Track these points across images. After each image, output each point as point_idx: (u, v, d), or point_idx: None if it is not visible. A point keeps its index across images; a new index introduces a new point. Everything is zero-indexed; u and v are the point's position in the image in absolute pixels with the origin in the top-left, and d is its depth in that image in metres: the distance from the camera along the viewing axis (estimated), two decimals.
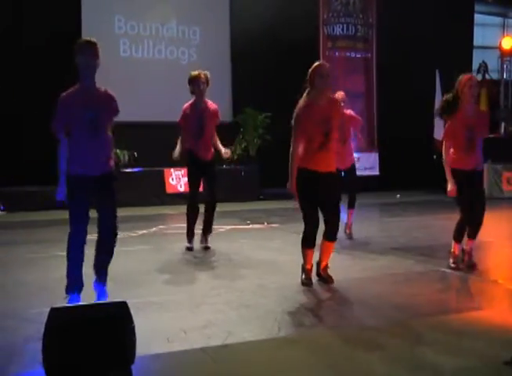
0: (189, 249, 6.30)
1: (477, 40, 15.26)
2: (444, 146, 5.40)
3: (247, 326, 3.72)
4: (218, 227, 7.66)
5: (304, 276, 4.85)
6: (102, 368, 2.62)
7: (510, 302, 4.49)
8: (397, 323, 3.80)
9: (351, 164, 7.03)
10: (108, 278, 4.94)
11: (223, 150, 6.50)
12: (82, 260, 4.24)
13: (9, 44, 10.56)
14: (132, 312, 2.82)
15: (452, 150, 5.39)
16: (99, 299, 4.21)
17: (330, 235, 4.73)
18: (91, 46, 4.35)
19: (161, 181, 11.03)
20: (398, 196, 12.31)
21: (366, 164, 13.28)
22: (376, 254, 6.06)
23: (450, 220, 8.57)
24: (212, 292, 4.59)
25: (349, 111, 6.97)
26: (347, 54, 13.34)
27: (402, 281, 4.92)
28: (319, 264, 4.90)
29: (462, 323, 3.75)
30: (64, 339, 2.58)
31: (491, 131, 13.34)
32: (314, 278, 4.86)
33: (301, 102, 4.77)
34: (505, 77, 14.88)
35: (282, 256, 5.99)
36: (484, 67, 14.73)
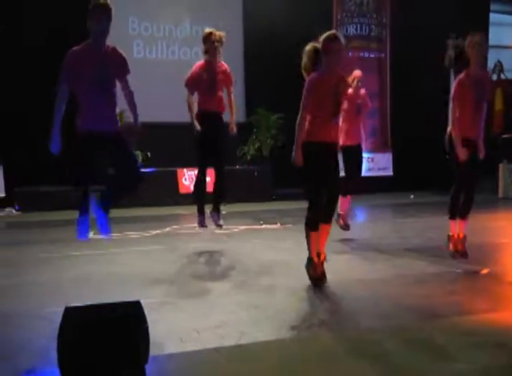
0: (203, 225, 6.31)
1: (493, 39, 15.12)
2: (452, 110, 5.32)
3: (260, 326, 3.72)
4: (231, 227, 7.68)
5: (312, 272, 4.69)
6: (116, 367, 2.63)
7: None
8: (409, 324, 3.78)
9: (359, 143, 7.02)
10: (121, 278, 4.97)
11: (233, 123, 6.44)
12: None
13: (20, 44, 10.63)
14: (146, 312, 2.83)
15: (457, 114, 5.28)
16: (100, 223, 4.39)
17: (329, 216, 4.66)
18: (104, 10, 4.39)
19: (174, 181, 11.06)
20: (412, 196, 12.24)
21: (380, 164, 13.23)
22: (389, 254, 6.04)
23: None
24: (224, 292, 4.59)
25: (363, 91, 7.07)
26: (361, 54, 13.30)
27: (415, 282, 4.89)
28: (317, 256, 4.74)
29: (475, 325, 3.72)
30: (79, 338, 2.60)
31: (506, 131, 13.25)
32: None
33: (313, 74, 4.80)
34: None
35: (294, 256, 5.97)
36: (499, 67, 14.59)
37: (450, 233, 5.43)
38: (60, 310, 2.71)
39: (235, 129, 6.56)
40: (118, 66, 4.41)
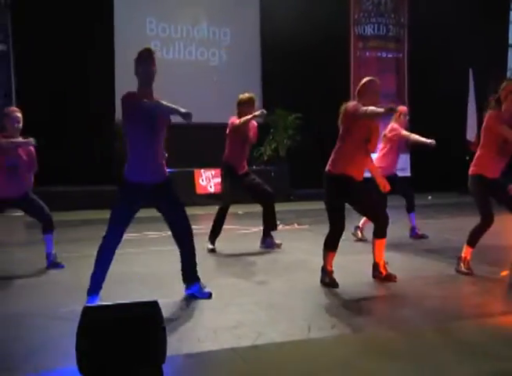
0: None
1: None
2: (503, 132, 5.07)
3: (277, 326, 3.71)
4: (248, 227, 7.68)
5: (327, 279, 4.84)
6: (133, 367, 2.64)
7: None
8: (429, 326, 3.75)
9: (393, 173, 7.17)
10: (139, 277, 4.99)
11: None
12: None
13: (44, 47, 10.72)
14: (163, 311, 2.84)
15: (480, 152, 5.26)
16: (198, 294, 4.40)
17: (379, 232, 4.89)
18: (151, 55, 4.32)
19: (191, 181, 11.09)
20: (430, 197, 12.15)
21: (398, 165, 13.14)
22: (408, 256, 6.00)
23: None
24: (241, 292, 4.59)
25: (397, 126, 7.13)
26: (379, 54, 13.24)
27: (435, 283, 4.85)
28: (376, 265, 4.96)
29: (495, 327, 3.69)
30: (97, 338, 2.61)
31: None
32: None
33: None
34: None
35: (311, 257, 5.96)
36: None
37: (463, 255, 5.32)
38: (79, 310, 2.73)
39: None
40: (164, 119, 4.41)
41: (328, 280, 4.83)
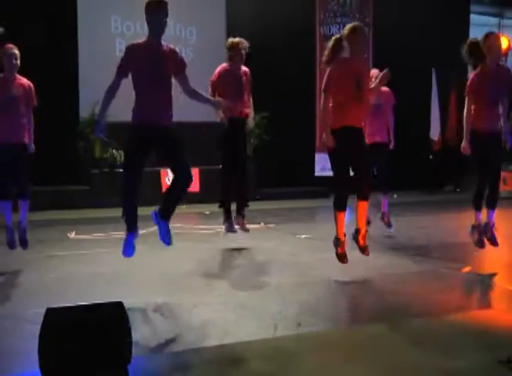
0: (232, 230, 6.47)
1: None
2: (466, 103, 5.33)
3: (243, 326, 3.71)
4: (215, 227, 7.67)
5: (339, 251, 5.00)
6: (98, 368, 2.61)
7: (507, 302, 4.49)
8: (394, 323, 3.80)
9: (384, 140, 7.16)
10: (103, 279, 4.95)
11: (251, 118, 6.66)
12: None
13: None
14: (128, 312, 2.81)
15: (473, 107, 5.31)
16: (160, 231, 4.67)
17: (363, 193, 4.95)
18: (159, 5, 4.50)
19: (158, 181, 11.01)
20: (395, 196, 12.31)
21: None
22: (373, 253, 6.04)
23: (447, 220, 8.61)
24: (208, 292, 4.58)
25: (385, 89, 7.21)
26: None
27: (400, 281, 4.92)
28: (357, 231, 5.07)
29: (459, 323, 3.75)
30: (60, 339, 2.57)
31: None
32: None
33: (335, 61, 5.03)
34: None
35: (279, 256, 5.99)
36: None
37: (475, 223, 5.46)
38: (44, 311, 2.69)
39: (253, 123, 6.84)
40: (171, 59, 4.55)
41: (338, 250, 5.04)
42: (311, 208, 10.67)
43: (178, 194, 4.65)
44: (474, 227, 5.51)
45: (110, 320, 2.67)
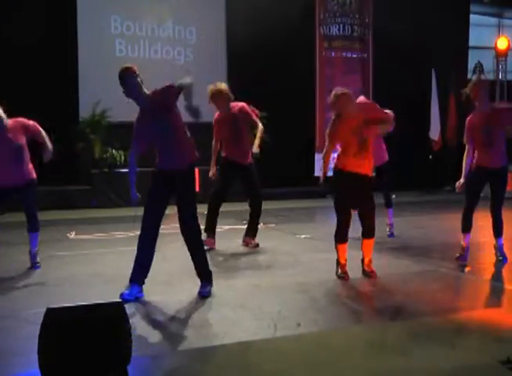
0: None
1: (473, 40, 15.29)
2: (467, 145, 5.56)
3: (243, 326, 3.72)
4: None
5: (339, 271, 5.04)
6: (98, 369, 2.61)
7: (506, 302, 4.50)
8: (393, 322, 3.81)
9: (383, 162, 7.22)
10: (103, 279, 4.95)
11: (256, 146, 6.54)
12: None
13: (2, 43, 10.51)
14: (129, 312, 2.82)
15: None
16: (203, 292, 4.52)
17: (368, 233, 5.04)
18: (127, 71, 4.58)
19: None
20: (394, 196, 12.31)
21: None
22: (373, 254, 6.05)
23: (446, 220, 8.61)
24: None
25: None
26: (344, 54, 13.34)
27: (399, 281, 4.92)
28: (362, 261, 5.11)
29: (458, 323, 3.76)
30: (60, 339, 2.58)
31: None
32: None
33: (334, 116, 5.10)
34: (500, 77, 14.89)
35: (278, 256, 5.99)
36: (479, 68, 14.74)
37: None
38: (43, 311, 2.69)
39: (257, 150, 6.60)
40: (162, 100, 4.48)
41: (339, 273, 5.05)
42: (311, 208, 10.68)
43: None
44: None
45: (110, 320, 2.67)
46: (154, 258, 4.66)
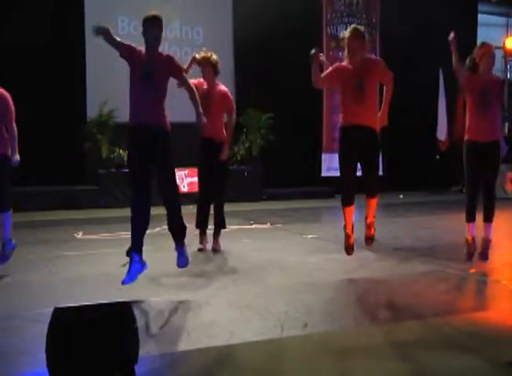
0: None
1: (481, 40, 15.23)
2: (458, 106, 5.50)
3: (250, 326, 3.71)
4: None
5: (345, 243, 5.27)
6: (106, 368, 2.62)
7: None
8: (400, 323, 3.79)
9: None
10: (110, 279, 4.96)
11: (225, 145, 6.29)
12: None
13: (10, 44, 10.54)
14: (136, 312, 2.82)
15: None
16: (178, 260, 4.73)
17: (370, 192, 5.16)
18: (157, 21, 4.98)
19: None
20: (401, 196, 12.29)
21: None
22: (379, 254, 6.05)
23: (453, 220, 8.57)
24: (215, 292, 4.59)
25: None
26: None
27: (406, 282, 4.90)
28: (366, 218, 5.34)
29: (466, 324, 3.74)
30: (67, 339, 2.58)
31: None
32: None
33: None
34: (509, 77, 14.85)
35: (285, 256, 5.99)
36: None
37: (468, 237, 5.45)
38: (50, 311, 2.70)
39: (227, 152, 6.38)
40: (166, 64, 4.74)
41: (344, 242, 5.28)
42: (318, 208, 10.66)
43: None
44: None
45: (117, 320, 2.68)
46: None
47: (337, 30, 13.17)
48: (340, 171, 5.13)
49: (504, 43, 14.49)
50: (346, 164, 5.07)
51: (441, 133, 13.47)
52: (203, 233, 6.42)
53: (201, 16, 12.39)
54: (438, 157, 13.63)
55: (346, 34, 5.21)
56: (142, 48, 4.87)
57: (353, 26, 5.26)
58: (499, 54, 15.16)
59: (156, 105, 4.60)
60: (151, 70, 4.63)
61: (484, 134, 5.25)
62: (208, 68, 6.26)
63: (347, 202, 5.15)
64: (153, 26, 4.90)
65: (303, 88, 12.56)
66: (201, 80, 6.35)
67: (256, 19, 11.66)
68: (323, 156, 12.82)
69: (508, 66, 14.81)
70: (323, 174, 12.80)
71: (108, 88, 10.74)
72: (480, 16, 15.24)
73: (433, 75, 13.40)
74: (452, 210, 10.06)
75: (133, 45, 4.85)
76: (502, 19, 16.64)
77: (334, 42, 13.17)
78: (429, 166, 13.42)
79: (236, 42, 12.53)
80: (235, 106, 6.55)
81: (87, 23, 11.32)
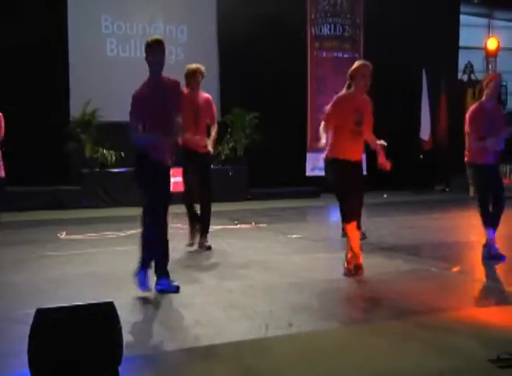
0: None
1: (463, 40, 15.36)
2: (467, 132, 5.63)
3: (235, 326, 3.71)
4: (211, 227, 7.66)
5: (354, 265, 5.03)
6: (89, 369, 2.60)
7: (497, 301, 4.52)
8: (384, 322, 3.82)
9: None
10: (94, 279, 4.93)
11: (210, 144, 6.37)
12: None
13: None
14: (119, 312, 2.81)
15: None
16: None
17: (359, 222, 5.21)
18: (160, 46, 4.70)
19: None
20: (385, 196, 12.35)
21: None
22: (364, 253, 6.03)
23: (437, 220, 8.65)
24: (200, 292, 4.58)
25: None
26: (335, 54, 13.35)
27: (391, 280, 4.93)
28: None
29: (449, 322, 3.77)
30: (50, 340, 2.56)
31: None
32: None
33: (342, 93, 5.19)
34: None
35: (270, 256, 6.00)
36: (469, 68, 14.82)
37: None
38: (34, 312, 2.68)
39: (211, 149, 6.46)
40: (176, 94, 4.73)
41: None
42: (302, 208, 10.68)
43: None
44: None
45: (101, 321, 2.66)
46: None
47: (321, 30, 13.19)
48: (344, 199, 5.01)
49: (486, 44, 14.64)
50: (351, 193, 5.03)
51: (425, 133, 13.58)
52: (193, 229, 6.44)
53: (185, 14, 12.35)
54: (421, 156, 13.72)
55: (359, 63, 5.29)
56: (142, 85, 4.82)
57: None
58: (480, 55, 15.35)
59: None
60: (164, 105, 4.63)
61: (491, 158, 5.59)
62: (199, 80, 6.33)
63: (351, 216, 5.02)
64: (156, 50, 4.74)
65: (287, 88, 12.67)
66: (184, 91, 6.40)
67: (240, 18, 11.66)
68: (308, 155, 12.84)
69: (490, 67, 14.94)
70: (308, 173, 12.82)
71: (91, 88, 10.67)
72: (462, 17, 15.36)
73: (416, 75, 13.49)
74: (436, 209, 10.15)
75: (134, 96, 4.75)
76: (484, 20, 16.79)
77: (318, 42, 13.21)
78: (412, 166, 13.50)
79: (221, 41, 12.51)
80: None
81: (70, 22, 11.25)
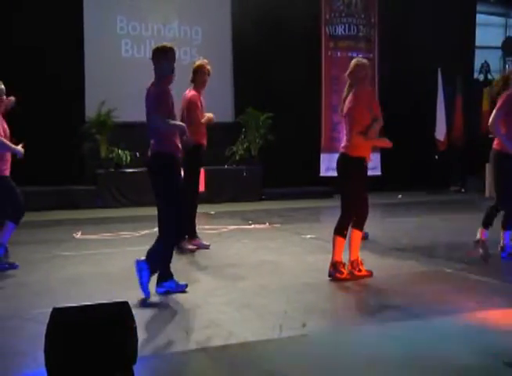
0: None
1: (479, 40, 15.25)
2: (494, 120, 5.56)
3: (248, 326, 3.72)
4: (220, 227, 7.68)
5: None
6: (105, 368, 2.62)
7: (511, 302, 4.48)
8: (399, 323, 3.80)
9: None
10: (108, 279, 4.97)
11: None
12: None
13: (9, 44, 10.54)
14: (135, 312, 2.82)
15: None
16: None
17: (362, 224, 5.12)
18: (173, 52, 4.82)
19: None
20: (400, 196, 12.29)
21: (369, 164, 13.25)
22: (378, 254, 6.06)
23: (452, 221, 8.59)
24: (214, 292, 4.59)
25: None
26: (349, 54, 13.28)
27: (404, 282, 4.92)
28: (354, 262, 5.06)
29: (463, 323, 3.75)
30: (66, 339, 2.58)
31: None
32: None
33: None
34: None
35: (284, 256, 5.99)
36: (486, 67, 14.70)
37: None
38: (49, 311, 2.70)
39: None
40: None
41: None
42: (316, 208, 10.67)
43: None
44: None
45: (116, 320, 2.68)
46: None
47: (335, 30, 13.15)
48: (359, 199, 5.03)
49: (502, 43, 14.52)
50: (365, 194, 5.09)
51: (440, 133, 13.48)
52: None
53: (200, 15, 12.37)
54: (436, 157, 13.63)
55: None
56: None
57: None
58: (497, 54, 15.23)
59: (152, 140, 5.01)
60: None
61: None
62: (207, 77, 6.46)
63: (347, 227, 5.03)
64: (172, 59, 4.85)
65: (302, 88, 12.64)
66: (194, 92, 6.42)
67: (254, 19, 11.67)
68: (322, 156, 12.80)
69: (506, 66, 14.81)
70: (322, 174, 12.78)
71: (107, 88, 10.72)
72: (478, 16, 15.24)
73: (431, 75, 13.41)
74: (451, 210, 10.08)
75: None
76: (500, 20, 16.65)
77: (333, 42, 13.17)
78: (428, 166, 13.42)
79: (235, 41, 12.52)
80: None
81: (86, 23, 11.32)
